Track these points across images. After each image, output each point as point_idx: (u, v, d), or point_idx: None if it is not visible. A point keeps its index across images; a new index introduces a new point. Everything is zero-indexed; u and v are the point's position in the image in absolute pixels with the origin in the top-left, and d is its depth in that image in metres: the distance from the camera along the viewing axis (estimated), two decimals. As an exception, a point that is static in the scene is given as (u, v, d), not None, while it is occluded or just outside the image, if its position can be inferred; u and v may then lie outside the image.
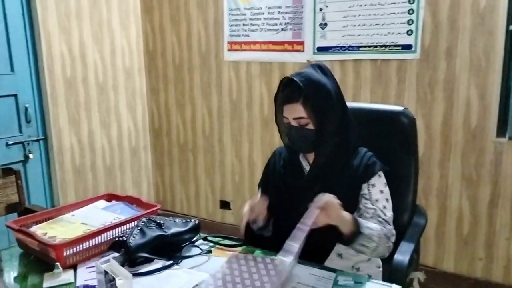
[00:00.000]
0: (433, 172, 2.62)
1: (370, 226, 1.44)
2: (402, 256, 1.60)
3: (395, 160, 1.71)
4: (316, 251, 1.46)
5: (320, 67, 1.55)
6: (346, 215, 1.39)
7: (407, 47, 2.58)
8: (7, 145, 2.73)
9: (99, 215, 1.64)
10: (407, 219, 1.78)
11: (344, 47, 2.76)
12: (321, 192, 1.53)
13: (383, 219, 1.50)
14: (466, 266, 2.60)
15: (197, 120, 3.45)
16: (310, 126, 1.49)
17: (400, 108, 1.87)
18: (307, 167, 1.58)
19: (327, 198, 1.33)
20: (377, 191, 1.54)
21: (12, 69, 2.73)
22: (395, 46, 2.61)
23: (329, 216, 1.32)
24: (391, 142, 1.79)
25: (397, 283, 1.34)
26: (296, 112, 1.48)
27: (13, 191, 2.09)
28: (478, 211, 2.53)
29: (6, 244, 1.64)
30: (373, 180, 1.54)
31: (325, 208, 1.31)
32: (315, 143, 1.51)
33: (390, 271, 1.59)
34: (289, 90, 1.49)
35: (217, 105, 3.32)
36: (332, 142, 1.52)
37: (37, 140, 2.90)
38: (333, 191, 1.53)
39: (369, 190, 1.53)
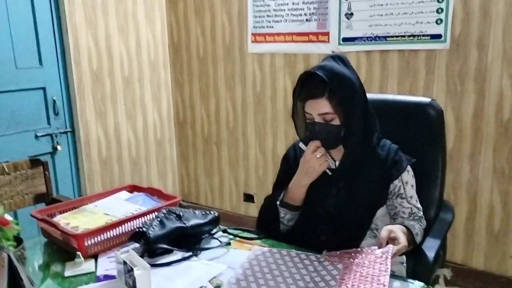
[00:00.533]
0: (462, 166, 2.53)
1: (417, 231, 1.47)
2: (428, 252, 1.55)
3: (422, 153, 1.65)
4: (342, 247, 1.43)
5: (341, 58, 1.49)
6: (406, 239, 1.35)
7: (436, 37, 2.49)
8: (36, 137, 2.80)
9: (121, 206, 1.65)
10: (433, 215, 1.72)
11: (370, 37, 2.69)
12: (346, 187, 1.49)
13: (419, 216, 1.53)
14: (497, 264, 2.51)
15: (221, 113, 3.44)
16: (336, 122, 1.44)
17: (427, 100, 1.80)
18: (330, 162, 1.54)
19: (403, 244, 1.29)
20: (410, 188, 1.53)
21: (40, 63, 2.79)
22: (423, 35, 2.52)
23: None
24: (417, 135, 1.72)
25: (421, 280, 1.30)
26: (321, 108, 1.42)
27: (41, 182, 2.14)
28: (510, 207, 2.43)
29: (36, 233, 1.68)
30: (405, 177, 1.52)
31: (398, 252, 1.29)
32: (342, 138, 1.47)
33: (414, 267, 1.54)
34: (313, 85, 1.43)
35: (241, 98, 3.30)
36: (359, 136, 1.48)
37: (65, 132, 2.97)
38: (359, 185, 1.50)
39: (404, 189, 1.52)
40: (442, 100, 2.49)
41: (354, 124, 1.45)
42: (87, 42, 2.99)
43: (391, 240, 1.30)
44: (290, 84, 2.99)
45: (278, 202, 1.53)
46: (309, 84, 1.44)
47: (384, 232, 1.32)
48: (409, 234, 1.43)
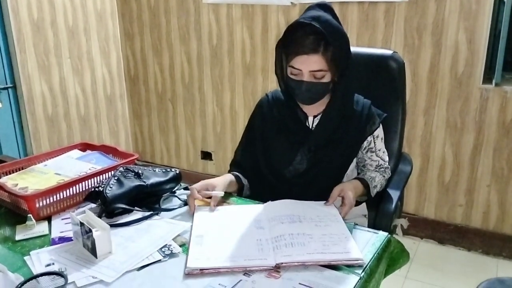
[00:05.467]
0: (417, 120, 2.59)
1: (376, 184, 1.49)
2: (388, 204, 1.58)
3: (383, 105, 1.64)
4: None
5: (329, 8, 1.37)
6: (358, 192, 1.42)
7: (396, -11, 2.45)
8: (-27, 93, 2.57)
9: (73, 165, 1.56)
10: (392, 167, 1.74)
11: (330, -12, 2.61)
12: (321, 146, 1.47)
13: (384, 167, 1.55)
14: (447, 212, 2.63)
15: (175, 67, 3.30)
16: (326, 79, 1.36)
17: (389, 52, 1.80)
18: (304, 119, 1.49)
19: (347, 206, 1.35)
20: (380, 141, 1.54)
21: (-28, 11, 2.52)
22: (383, -13, 2.48)
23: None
24: (379, 87, 1.72)
25: (381, 230, 1.32)
26: (313, 65, 1.32)
27: (-19, 141, 1.98)
28: (460, 158, 2.53)
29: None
30: (376, 131, 1.51)
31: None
32: (326, 94, 1.42)
33: (375, 218, 1.57)
34: (305, 38, 1.31)
35: (197, 51, 3.17)
36: (345, 92, 1.43)
37: (6, 88, 2.74)
38: (334, 144, 1.47)
39: (375, 143, 1.52)
40: (400, 54, 2.48)
41: (344, 80, 1.39)
42: (25, -12, 2.71)
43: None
44: (248, 37, 2.88)
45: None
46: (303, 38, 1.32)
47: (335, 192, 1.35)
48: (364, 188, 1.45)
